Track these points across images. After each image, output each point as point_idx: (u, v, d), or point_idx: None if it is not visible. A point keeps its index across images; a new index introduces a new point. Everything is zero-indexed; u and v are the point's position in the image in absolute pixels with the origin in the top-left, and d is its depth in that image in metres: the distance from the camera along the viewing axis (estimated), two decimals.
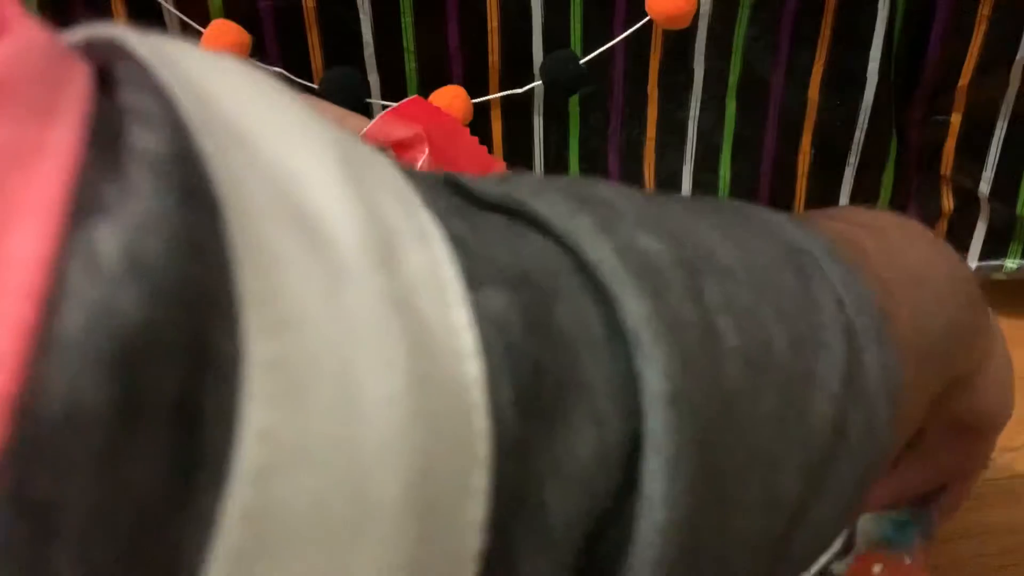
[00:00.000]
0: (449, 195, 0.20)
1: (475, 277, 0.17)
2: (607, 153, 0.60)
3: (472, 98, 0.56)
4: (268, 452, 0.14)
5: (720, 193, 0.62)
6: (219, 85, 0.16)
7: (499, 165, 0.48)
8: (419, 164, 0.45)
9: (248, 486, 0.13)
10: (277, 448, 0.14)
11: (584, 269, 0.19)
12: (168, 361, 0.13)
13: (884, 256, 0.28)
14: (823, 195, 0.61)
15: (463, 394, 0.16)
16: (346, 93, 0.53)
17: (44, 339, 0.12)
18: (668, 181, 0.61)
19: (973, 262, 0.64)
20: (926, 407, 0.30)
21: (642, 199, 0.22)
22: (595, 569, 0.19)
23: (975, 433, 0.37)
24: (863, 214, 0.31)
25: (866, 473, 0.24)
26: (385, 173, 0.18)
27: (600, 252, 0.19)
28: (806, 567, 0.27)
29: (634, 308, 0.19)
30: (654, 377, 0.19)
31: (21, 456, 0.12)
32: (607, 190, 0.22)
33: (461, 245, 0.18)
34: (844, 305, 0.24)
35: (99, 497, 0.13)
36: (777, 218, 0.26)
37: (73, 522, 0.12)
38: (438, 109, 0.51)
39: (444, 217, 0.18)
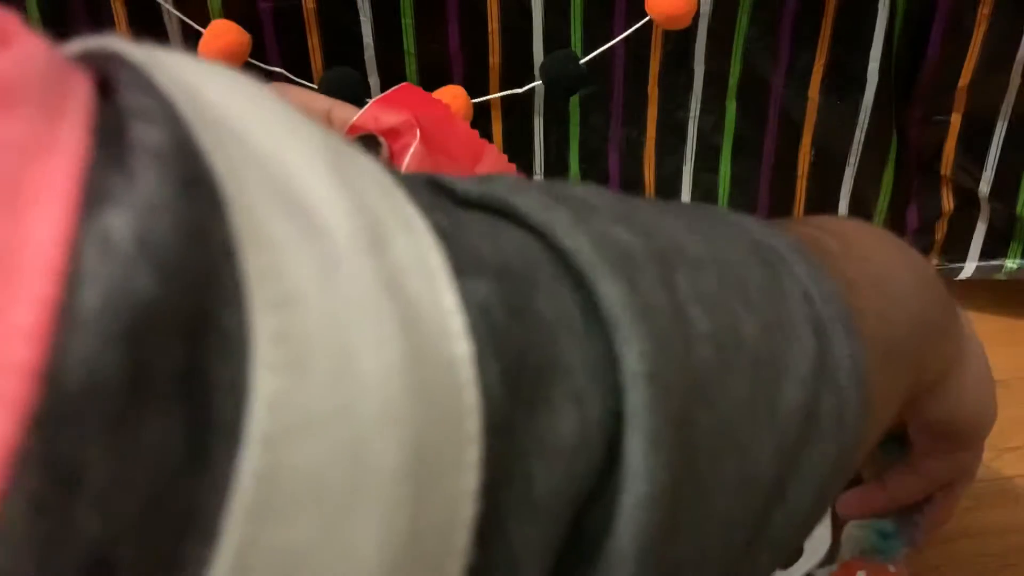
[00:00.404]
0: (431, 192, 0.21)
1: (459, 267, 0.18)
2: (607, 153, 0.60)
3: (472, 98, 0.56)
4: (276, 419, 0.15)
5: (720, 193, 0.62)
6: (210, 87, 0.17)
7: (490, 149, 0.48)
8: (410, 150, 0.45)
9: (259, 449, 0.14)
10: (284, 415, 0.15)
11: (561, 259, 0.20)
12: (177, 334, 0.14)
13: (848, 256, 0.29)
14: (823, 195, 0.61)
15: (454, 371, 0.17)
16: (345, 93, 0.53)
17: (65, 315, 0.13)
18: (668, 181, 0.61)
19: (973, 262, 0.64)
20: (896, 406, 0.31)
21: (614, 198, 0.24)
22: (581, 542, 0.20)
23: (958, 442, 0.38)
24: (827, 220, 0.32)
25: (840, 459, 0.25)
26: (370, 169, 0.19)
27: (576, 241, 0.20)
28: (787, 550, 0.28)
29: (610, 293, 0.20)
30: (632, 358, 0.20)
31: (46, 421, 0.13)
32: (581, 189, 0.23)
33: (444, 236, 0.19)
34: (811, 298, 0.25)
35: (117, 458, 0.14)
36: (744, 219, 0.27)
37: (94, 481, 0.13)
38: (428, 95, 0.51)
39: (427, 210, 0.19)
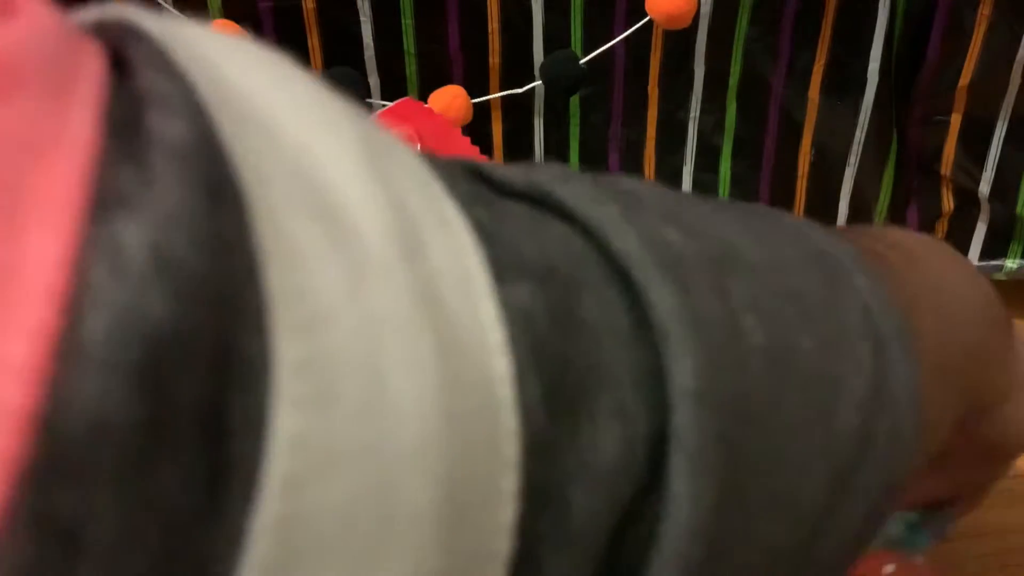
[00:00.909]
0: (471, 182, 0.19)
1: (500, 268, 0.17)
2: (607, 153, 0.60)
3: (472, 98, 0.56)
4: (299, 460, 0.13)
5: (720, 193, 0.62)
6: (235, 66, 0.15)
7: None
8: None
9: (279, 496, 0.13)
10: (308, 455, 0.13)
11: (609, 258, 0.19)
12: (196, 368, 0.12)
13: (908, 272, 0.27)
14: (823, 196, 0.61)
15: (492, 392, 0.15)
16: (345, 94, 0.53)
17: (66, 347, 0.11)
18: (668, 181, 0.61)
19: (973, 262, 0.64)
20: (948, 426, 0.29)
21: (665, 193, 0.22)
22: (618, 568, 0.19)
23: (1000, 457, 0.37)
24: (889, 232, 0.30)
25: (893, 482, 0.23)
26: (405, 159, 0.17)
27: (626, 241, 0.19)
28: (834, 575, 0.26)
29: (662, 301, 0.18)
30: (683, 374, 0.18)
31: (44, 475, 0.11)
32: (630, 183, 0.21)
33: (485, 234, 0.17)
34: (871, 312, 0.23)
35: (126, 514, 0.12)
36: (804, 223, 0.25)
37: (100, 541, 0.12)
38: (430, 110, 0.51)
39: (467, 204, 0.17)
